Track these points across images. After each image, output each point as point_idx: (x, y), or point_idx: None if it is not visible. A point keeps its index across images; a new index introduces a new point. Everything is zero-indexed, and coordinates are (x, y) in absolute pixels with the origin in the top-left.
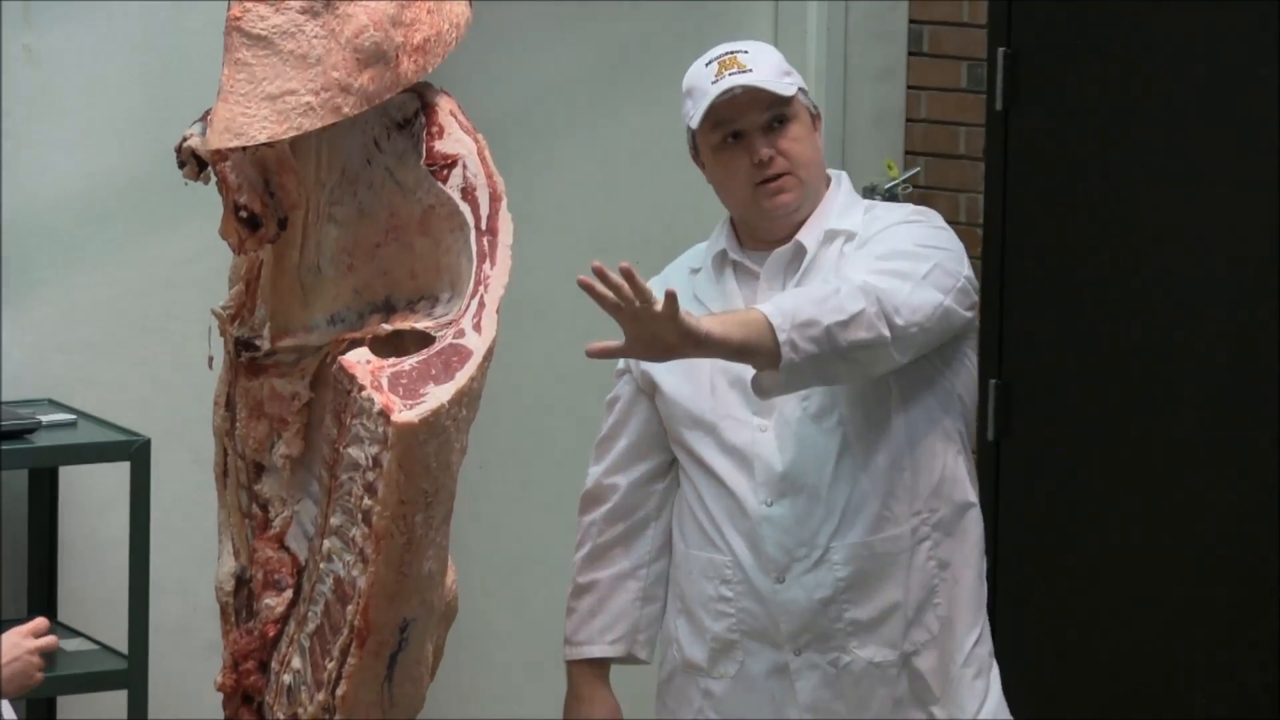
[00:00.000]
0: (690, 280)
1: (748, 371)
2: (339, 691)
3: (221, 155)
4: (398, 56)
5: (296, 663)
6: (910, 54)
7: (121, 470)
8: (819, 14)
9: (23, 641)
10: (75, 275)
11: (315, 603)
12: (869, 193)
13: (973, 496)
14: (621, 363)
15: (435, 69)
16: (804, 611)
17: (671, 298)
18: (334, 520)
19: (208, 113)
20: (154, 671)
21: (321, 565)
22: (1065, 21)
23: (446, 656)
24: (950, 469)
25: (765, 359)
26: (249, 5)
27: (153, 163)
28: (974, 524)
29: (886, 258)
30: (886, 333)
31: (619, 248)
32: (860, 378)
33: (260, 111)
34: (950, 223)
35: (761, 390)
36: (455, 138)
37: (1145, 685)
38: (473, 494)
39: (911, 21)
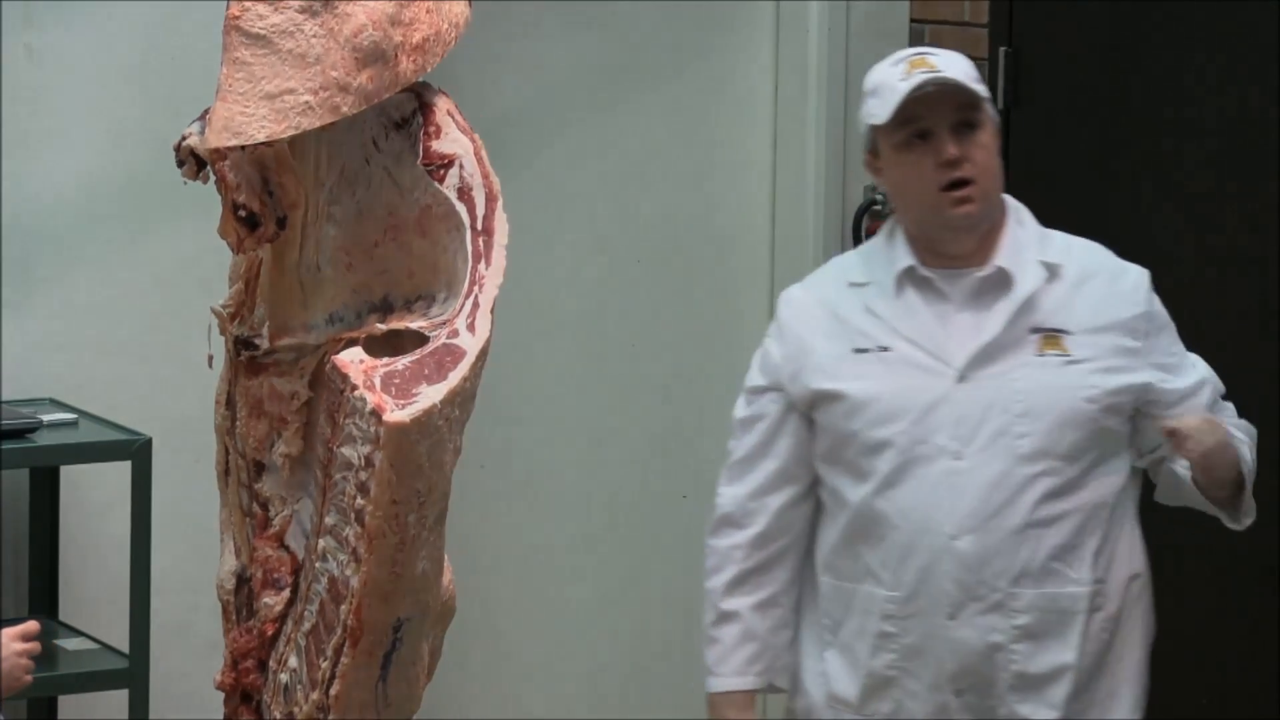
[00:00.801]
0: (852, 294)
1: (950, 392)
2: (333, 691)
3: (220, 154)
4: (396, 56)
5: (293, 662)
6: None
7: (122, 469)
8: (820, 14)
9: (12, 644)
10: (75, 274)
11: (311, 602)
12: (870, 191)
13: (1143, 568)
14: (760, 377)
15: (434, 68)
16: (972, 653)
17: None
18: (329, 519)
19: (206, 112)
20: (155, 670)
21: (317, 564)
22: (1065, 21)
23: (445, 657)
24: (1131, 538)
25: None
26: (248, 4)
27: (152, 162)
28: (1145, 596)
29: (1216, 398)
30: None
31: (617, 248)
32: None
33: (259, 111)
34: None
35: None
36: (452, 137)
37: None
38: (471, 494)
39: (913, 21)
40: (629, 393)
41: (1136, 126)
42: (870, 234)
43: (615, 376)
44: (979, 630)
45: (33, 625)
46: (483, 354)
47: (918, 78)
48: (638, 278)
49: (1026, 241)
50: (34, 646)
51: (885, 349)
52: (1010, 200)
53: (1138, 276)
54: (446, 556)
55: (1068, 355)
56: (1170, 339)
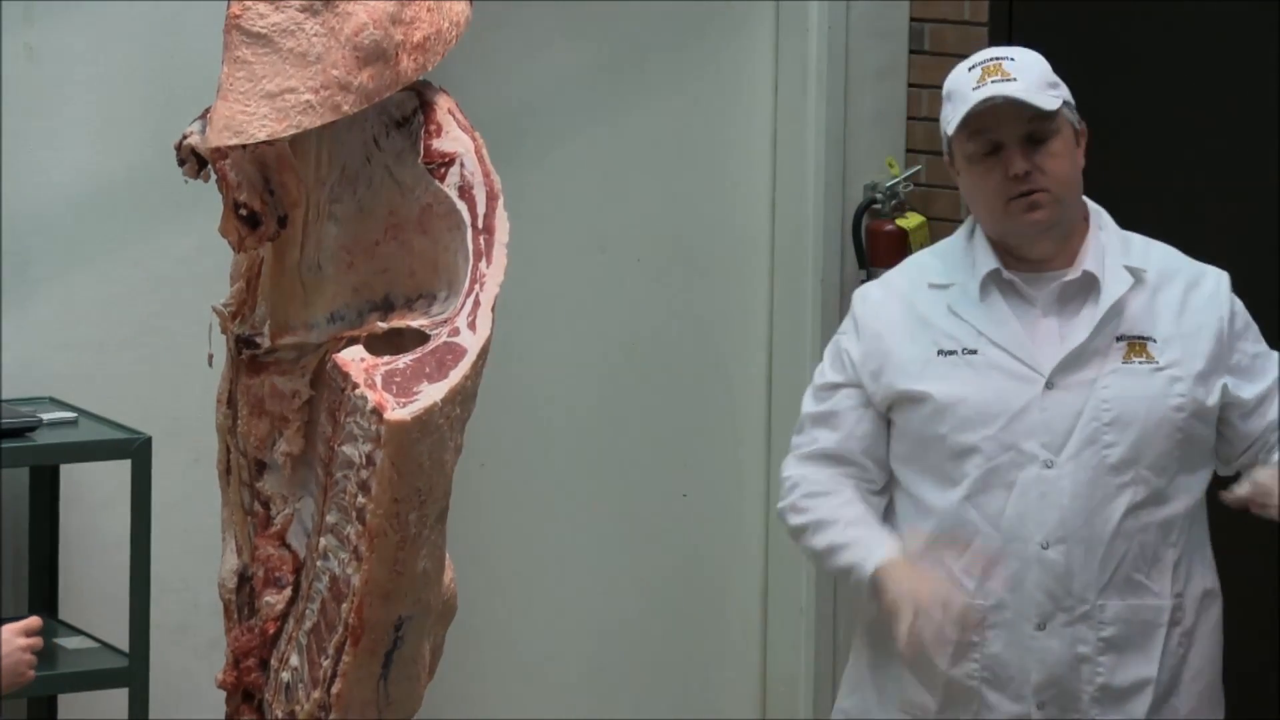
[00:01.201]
0: (933, 295)
1: (1039, 399)
2: (334, 690)
3: (221, 153)
4: (397, 55)
5: (295, 660)
6: (911, 52)
7: (122, 468)
8: (820, 13)
9: (14, 639)
10: (76, 273)
11: (312, 600)
12: (870, 190)
13: (1216, 584)
14: (834, 374)
15: (435, 67)
16: (1058, 663)
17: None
18: (330, 518)
19: (207, 111)
20: (155, 669)
21: (318, 563)
22: (1065, 21)
23: (446, 655)
24: (1204, 552)
25: None
26: (249, 3)
27: (153, 161)
28: (1218, 613)
29: None
30: None
31: (617, 248)
32: None
33: (260, 109)
34: (950, 221)
35: None
36: (453, 136)
37: None
38: (472, 493)
39: (912, 20)
40: (629, 392)
41: (1136, 127)
42: (871, 233)
43: (615, 375)
44: (1066, 641)
45: (35, 621)
46: (483, 352)
47: (986, 90)
48: (637, 277)
49: (1109, 245)
50: (36, 642)
51: (972, 351)
52: (1091, 204)
53: (1217, 278)
54: (448, 555)
55: (1154, 362)
56: (1252, 340)
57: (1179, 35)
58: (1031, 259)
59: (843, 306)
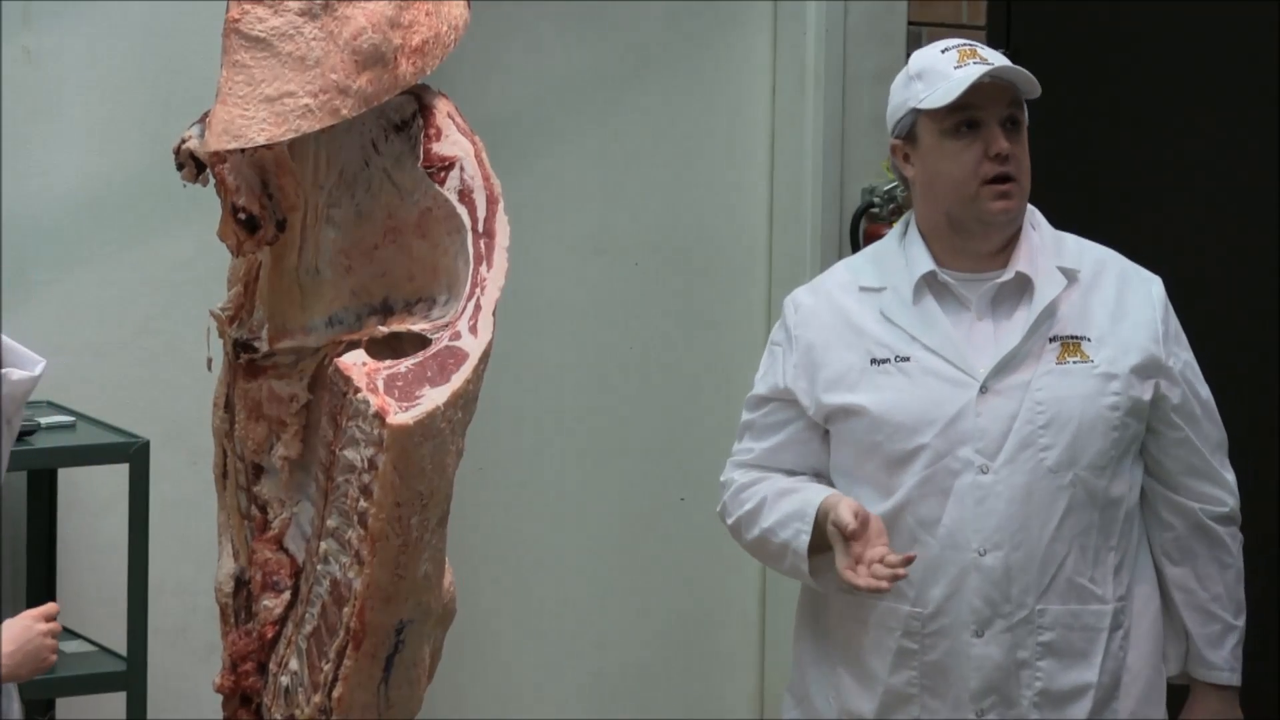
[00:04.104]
0: (865, 300)
1: (974, 404)
2: (335, 694)
3: (220, 157)
4: (396, 58)
5: (294, 664)
6: (909, 55)
7: (120, 472)
8: (818, 14)
9: (35, 625)
10: (74, 276)
11: (312, 604)
12: (867, 194)
13: (1155, 582)
14: (767, 386)
15: (434, 71)
16: (997, 670)
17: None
18: (330, 522)
19: (206, 114)
20: (152, 673)
21: (318, 567)
22: (1065, 21)
23: (445, 659)
24: (1144, 551)
25: None
26: (247, 7)
27: (151, 164)
28: (1156, 611)
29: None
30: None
31: (618, 250)
32: None
33: (258, 113)
34: None
35: None
36: (452, 140)
37: None
38: (471, 496)
39: (910, 23)
40: (627, 395)
41: (1135, 127)
42: (869, 236)
43: (613, 379)
44: (1005, 648)
45: (52, 606)
46: (485, 356)
47: (974, 69)
48: (635, 280)
49: (1042, 246)
50: (56, 627)
51: (904, 359)
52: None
53: (1149, 281)
54: (447, 559)
55: (1089, 361)
56: (1179, 345)
57: (1178, 36)
58: (974, 254)
59: None
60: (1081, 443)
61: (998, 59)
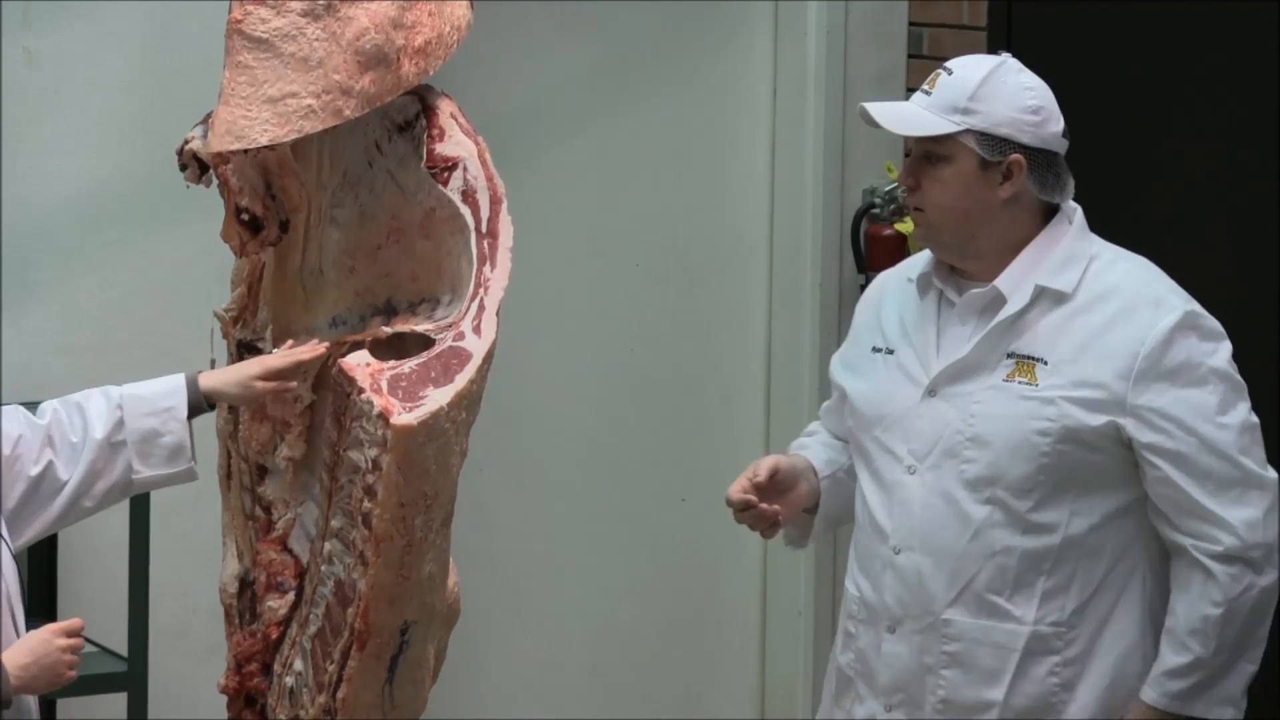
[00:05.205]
0: (906, 290)
1: (917, 405)
2: (340, 694)
3: (223, 158)
4: (399, 59)
5: (298, 665)
6: (910, 56)
7: None
8: (818, 15)
9: (54, 639)
10: (75, 277)
11: (317, 605)
12: (868, 195)
13: (1140, 625)
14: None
15: (437, 71)
16: (905, 669)
17: None
18: (334, 523)
19: (209, 115)
20: (153, 674)
21: (323, 568)
22: (1065, 22)
23: (449, 658)
24: (1130, 588)
25: None
26: (250, 8)
27: (154, 165)
28: (1126, 650)
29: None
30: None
31: (619, 249)
32: None
33: (261, 114)
34: None
35: None
36: (456, 140)
37: None
38: (474, 496)
39: (911, 24)
40: (628, 396)
41: (1135, 128)
42: (869, 237)
43: (614, 379)
44: (914, 649)
45: (76, 622)
46: (488, 357)
47: (883, 107)
48: (636, 281)
49: (1043, 263)
50: (78, 642)
51: (890, 352)
52: (1069, 208)
53: (1163, 314)
54: (451, 559)
55: (1034, 385)
56: (1168, 384)
57: (1178, 36)
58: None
59: (841, 310)
60: (1004, 463)
61: (950, 86)
